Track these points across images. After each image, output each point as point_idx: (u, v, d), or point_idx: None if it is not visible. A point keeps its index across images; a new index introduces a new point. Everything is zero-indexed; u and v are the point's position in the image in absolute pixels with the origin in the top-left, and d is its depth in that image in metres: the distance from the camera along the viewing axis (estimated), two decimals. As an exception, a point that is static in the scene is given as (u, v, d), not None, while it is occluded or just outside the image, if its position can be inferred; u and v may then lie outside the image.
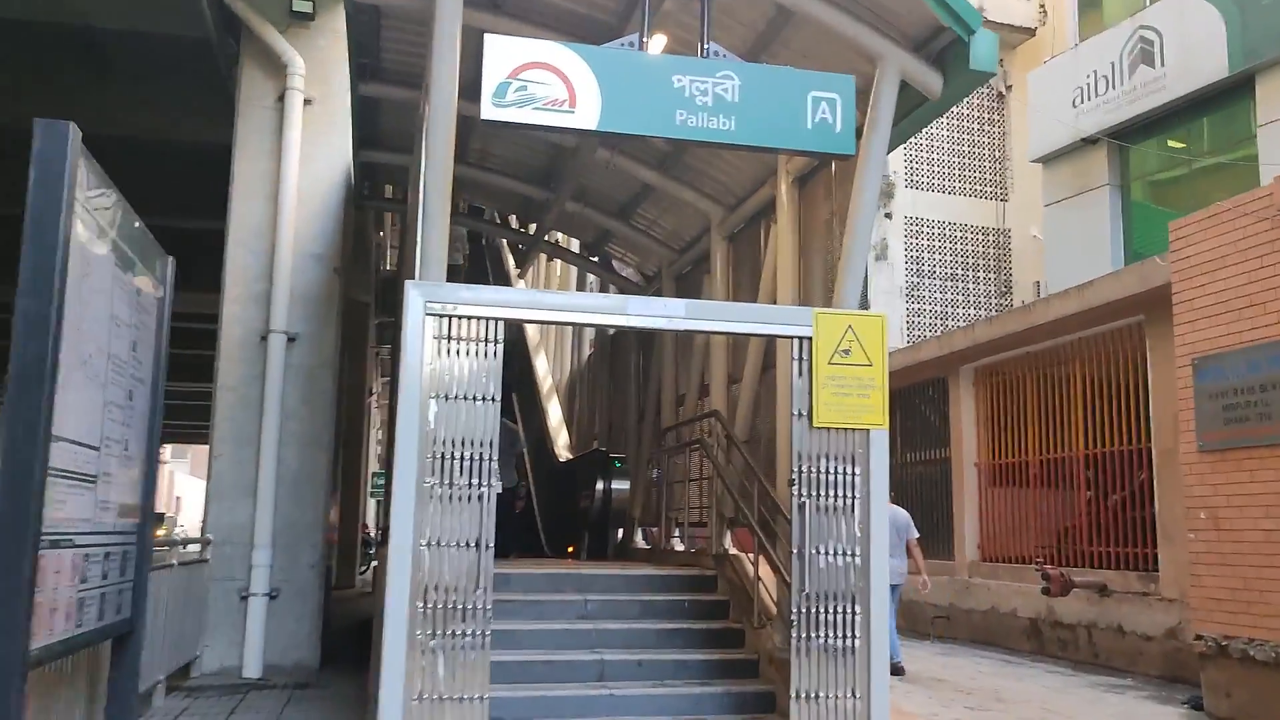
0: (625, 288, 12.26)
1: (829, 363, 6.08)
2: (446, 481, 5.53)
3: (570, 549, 11.80)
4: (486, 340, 5.69)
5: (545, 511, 13.35)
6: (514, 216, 14.03)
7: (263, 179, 9.95)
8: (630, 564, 9.30)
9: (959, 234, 18.34)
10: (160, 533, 21.95)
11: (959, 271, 18.25)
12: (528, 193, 10.53)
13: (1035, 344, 11.62)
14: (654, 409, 10.93)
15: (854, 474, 6.02)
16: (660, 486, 9.85)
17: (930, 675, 9.66)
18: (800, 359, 6.07)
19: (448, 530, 5.51)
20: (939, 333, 16.43)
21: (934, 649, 11.70)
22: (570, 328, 15.88)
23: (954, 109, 19.41)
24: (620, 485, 10.83)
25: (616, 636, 7.14)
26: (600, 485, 10.71)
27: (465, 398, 5.62)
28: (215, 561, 9.46)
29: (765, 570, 7.27)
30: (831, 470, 5.99)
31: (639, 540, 11.41)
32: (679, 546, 9.47)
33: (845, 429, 6.03)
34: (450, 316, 5.66)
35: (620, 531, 11.43)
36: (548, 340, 17.35)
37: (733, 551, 8.18)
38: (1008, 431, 12.30)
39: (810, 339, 6.07)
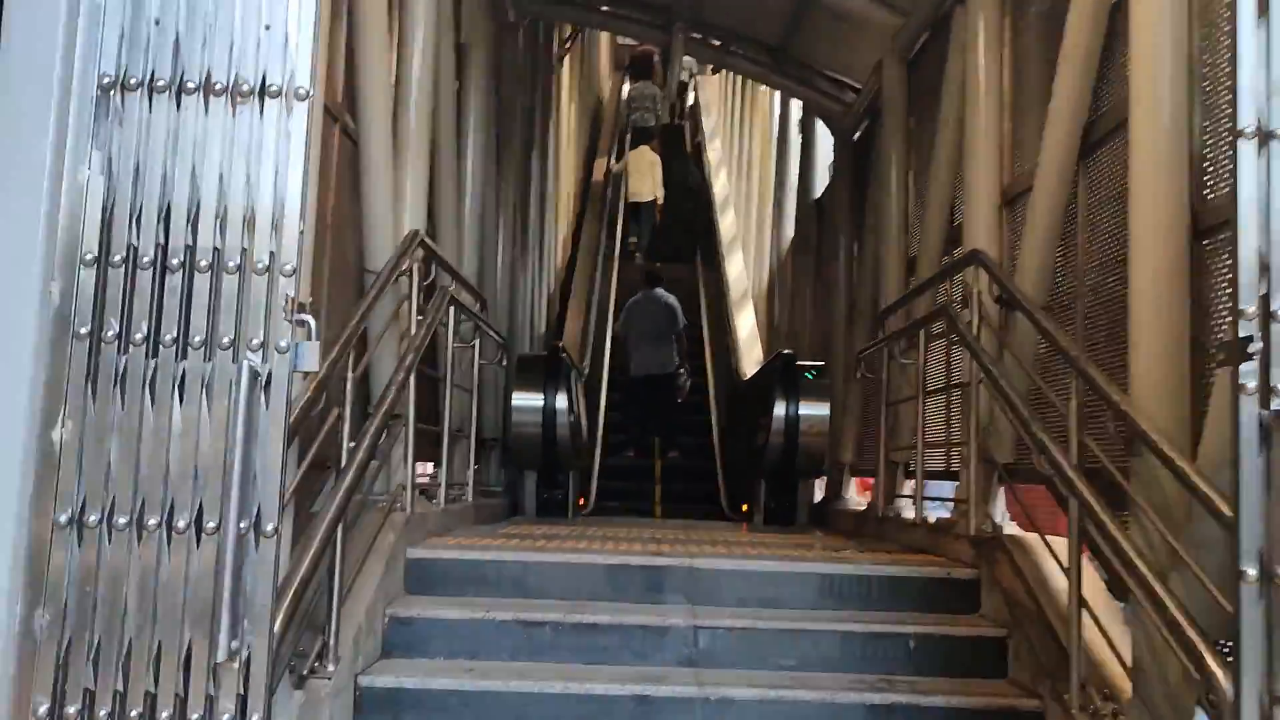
0: (827, 111, 8.36)
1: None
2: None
3: (744, 507, 7.87)
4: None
5: (727, 453, 9.51)
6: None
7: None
8: (809, 544, 5.21)
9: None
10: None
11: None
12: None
13: None
14: (870, 290, 6.82)
15: None
16: (883, 407, 5.64)
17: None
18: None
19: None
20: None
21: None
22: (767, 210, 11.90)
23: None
24: (813, 410, 6.75)
25: (751, 717, 3.23)
26: (781, 410, 6.69)
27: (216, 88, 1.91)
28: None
29: (1095, 585, 3.19)
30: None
31: (851, 498, 7.39)
32: (908, 513, 5.32)
33: None
34: None
35: (821, 483, 7.43)
36: (746, 233, 13.37)
37: (1011, 532, 4.08)
38: None
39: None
